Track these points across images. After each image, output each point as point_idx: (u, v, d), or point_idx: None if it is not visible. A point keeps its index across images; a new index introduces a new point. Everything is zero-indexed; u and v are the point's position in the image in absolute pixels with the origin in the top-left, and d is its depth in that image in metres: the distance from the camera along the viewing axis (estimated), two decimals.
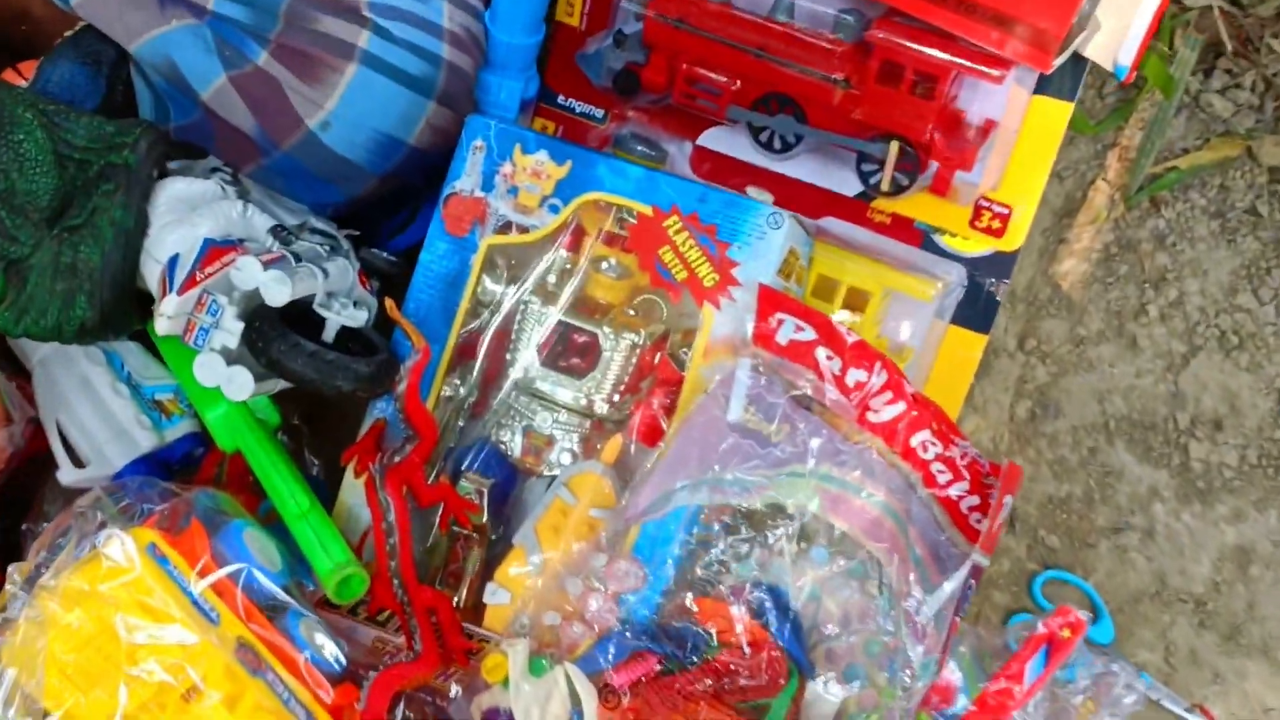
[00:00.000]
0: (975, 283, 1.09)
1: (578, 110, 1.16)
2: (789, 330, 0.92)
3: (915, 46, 0.98)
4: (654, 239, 0.97)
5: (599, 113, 1.15)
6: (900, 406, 0.93)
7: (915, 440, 0.93)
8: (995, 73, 0.97)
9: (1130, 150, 1.21)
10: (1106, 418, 1.18)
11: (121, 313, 0.99)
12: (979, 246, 1.09)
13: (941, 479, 0.94)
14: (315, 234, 1.03)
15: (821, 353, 0.92)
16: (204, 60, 1.00)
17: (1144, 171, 1.20)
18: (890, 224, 1.10)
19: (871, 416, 0.93)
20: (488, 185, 1.01)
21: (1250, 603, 1.16)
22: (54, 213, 0.98)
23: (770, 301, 0.92)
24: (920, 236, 1.10)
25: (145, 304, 1.01)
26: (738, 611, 0.91)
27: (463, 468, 1.01)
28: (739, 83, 1.05)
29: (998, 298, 1.09)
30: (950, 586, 0.89)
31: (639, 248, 0.97)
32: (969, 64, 0.98)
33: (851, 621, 0.92)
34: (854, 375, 0.93)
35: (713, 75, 1.05)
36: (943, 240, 1.09)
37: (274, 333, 0.91)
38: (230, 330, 0.92)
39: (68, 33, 1.09)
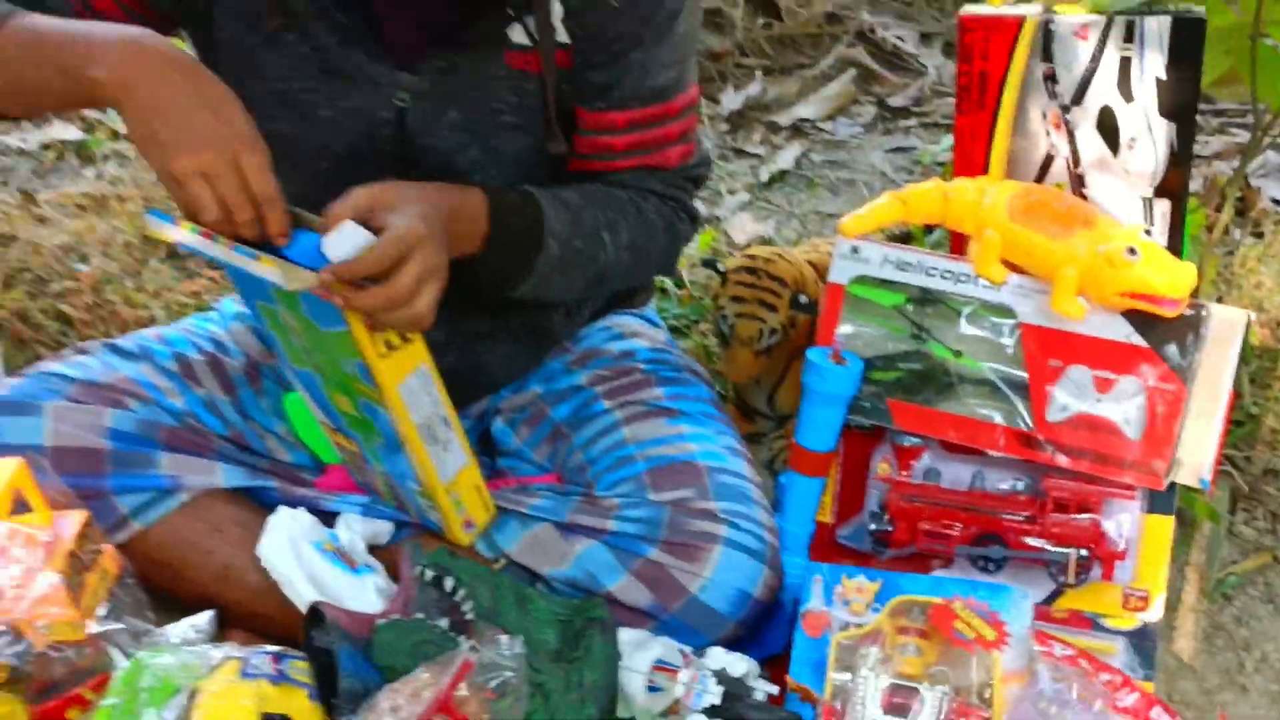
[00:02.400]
0: (1136, 647, 1.62)
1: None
2: (1058, 651, 1.44)
3: (1075, 487, 1.58)
4: (949, 617, 1.50)
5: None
6: (1136, 695, 1.44)
7: None
8: (1129, 493, 1.57)
9: (1199, 566, 1.80)
10: None
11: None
12: (1131, 622, 1.63)
13: None
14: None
15: (1084, 663, 1.44)
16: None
17: (1214, 577, 1.78)
18: (1068, 618, 1.65)
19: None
20: (829, 600, 1.55)
21: None
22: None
23: (1041, 639, 1.45)
24: (1090, 623, 1.64)
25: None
26: None
27: None
28: (960, 530, 1.63)
29: (1153, 655, 1.63)
30: None
31: (940, 624, 1.50)
32: (1113, 488, 1.57)
33: None
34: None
35: (942, 529, 1.63)
36: (1106, 622, 1.63)
37: None
38: None
39: None
